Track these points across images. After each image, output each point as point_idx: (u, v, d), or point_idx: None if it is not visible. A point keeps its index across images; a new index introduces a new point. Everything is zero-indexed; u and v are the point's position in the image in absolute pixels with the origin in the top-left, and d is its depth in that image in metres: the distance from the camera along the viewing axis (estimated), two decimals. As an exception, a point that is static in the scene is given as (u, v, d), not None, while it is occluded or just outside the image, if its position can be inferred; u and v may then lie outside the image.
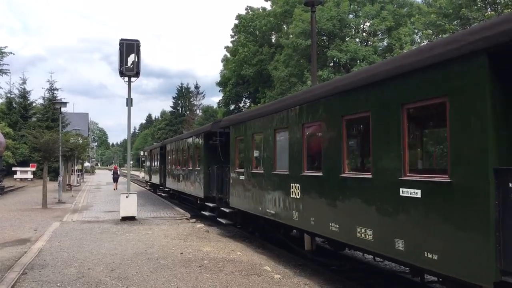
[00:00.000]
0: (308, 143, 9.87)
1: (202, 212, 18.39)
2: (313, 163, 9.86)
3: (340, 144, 8.28)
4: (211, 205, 17.15)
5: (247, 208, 13.32)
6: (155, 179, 34.64)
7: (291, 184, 10.17)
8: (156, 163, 34.34)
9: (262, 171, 12.00)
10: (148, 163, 41.61)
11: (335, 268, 10.49)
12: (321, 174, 8.93)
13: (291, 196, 10.16)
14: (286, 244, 12.54)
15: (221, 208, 15.81)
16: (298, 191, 9.79)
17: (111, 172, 48.45)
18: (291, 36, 42.09)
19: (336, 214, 8.37)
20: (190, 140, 21.18)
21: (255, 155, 12.87)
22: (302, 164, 9.78)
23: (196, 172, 19.44)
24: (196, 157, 19.72)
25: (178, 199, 26.87)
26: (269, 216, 11.58)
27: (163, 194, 30.30)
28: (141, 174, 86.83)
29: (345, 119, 8.24)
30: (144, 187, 44.71)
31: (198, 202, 19.59)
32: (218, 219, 16.01)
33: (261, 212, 12.07)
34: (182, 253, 11.37)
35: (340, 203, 8.25)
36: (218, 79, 62.78)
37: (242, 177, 13.61)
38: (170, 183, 26.85)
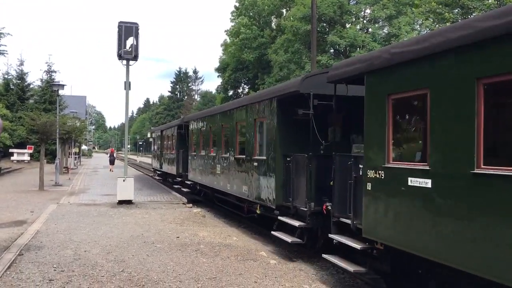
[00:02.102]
0: None
1: (273, 232, 11.00)
2: None
3: None
4: (296, 224, 9.80)
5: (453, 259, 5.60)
6: (169, 168, 26.27)
7: None
8: (170, 147, 26.07)
9: None
10: (157, 147, 32.48)
11: None
12: None
13: None
14: None
15: (338, 239, 8.04)
16: None
17: (108, 155, 50.60)
18: (292, 20, 41.85)
19: None
20: (243, 112, 13.39)
21: None
22: None
23: (255, 164, 12.04)
24: (255, 139, 12.36)
25: (205, 196, 19.30)
26: None
27: (184, 189, 21.95)
28: (139, 158, 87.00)
29: None
30: (151, 176, 35.93)
31: (258, 211, 12.17)
32: (332, 259, 8.12)
33: None
34: (178, 237, 11.41)
35: None
36: (217, 64, 62.57)
37: (424, 183, 5.96)
38: (197, 176, 18.99)
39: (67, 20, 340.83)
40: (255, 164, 12.12)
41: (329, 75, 8.63)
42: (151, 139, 43.24)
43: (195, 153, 19.68)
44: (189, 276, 8.00)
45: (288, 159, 10.54)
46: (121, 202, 17.42)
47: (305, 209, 9.62)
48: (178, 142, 23.57)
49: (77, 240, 10.74)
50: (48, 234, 11.34)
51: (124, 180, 17.68)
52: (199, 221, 14.33)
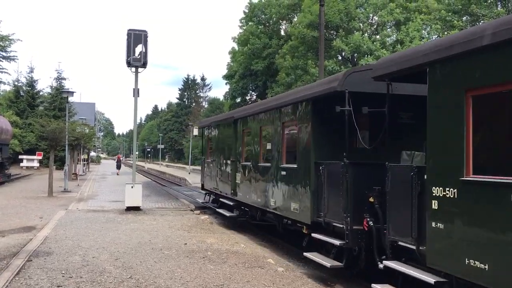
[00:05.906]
0: None
1: None
2: None
3: None
4: None
5: None
6: (272, 201, 11.67)
7: None
8: (276, 154, 11.58)
9: None
10: (218, 152, 17.55)
11: None
12: None
13: None
14: None
15: None
16: None
17: (115, 161, 55.92)
18: (299, 26, 41.95)
19: None
20: None
21: None
22: None
23: None
24: None
25: None
26: None
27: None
28: (147, 165, 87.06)
29: None
30: (203, 203, 20.34)
31: None
32: None
33: None
34: (186, 244, 11.42)
35: None
36: (225, 71, 62.51)
37: None
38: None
39: (76, 28, 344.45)
40: None
41: None
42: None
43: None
44: (197, 283, 8.00)
45: None
46: (129, 209, 17.47)
47: None
48: (319, 142, 9.64)
49: (86, 246, 10.77)
50: (56, 240, 11.39)
51: (132, 187, 17.73)
52: (206, 228, 14.33)
